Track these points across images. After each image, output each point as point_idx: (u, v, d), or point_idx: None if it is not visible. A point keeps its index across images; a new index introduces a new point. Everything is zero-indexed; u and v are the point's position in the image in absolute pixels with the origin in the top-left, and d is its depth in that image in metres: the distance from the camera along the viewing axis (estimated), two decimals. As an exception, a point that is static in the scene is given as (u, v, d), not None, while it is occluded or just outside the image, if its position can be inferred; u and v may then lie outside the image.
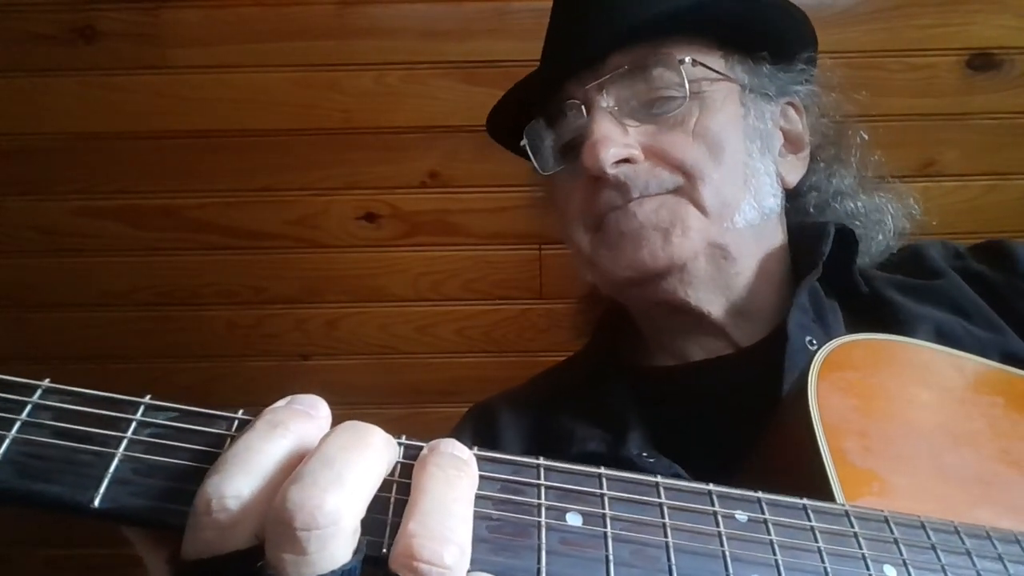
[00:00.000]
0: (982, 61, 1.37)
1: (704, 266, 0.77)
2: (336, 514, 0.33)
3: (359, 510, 0.34)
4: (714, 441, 0.69)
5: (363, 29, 1.38)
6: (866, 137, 0.92)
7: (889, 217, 0.88)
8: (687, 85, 0.76)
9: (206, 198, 1.43)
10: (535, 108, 0.84)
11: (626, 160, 0.75)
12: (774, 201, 0.81)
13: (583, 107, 0.79)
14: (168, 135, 1.40)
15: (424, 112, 1.40)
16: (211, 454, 0.38)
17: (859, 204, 0.88)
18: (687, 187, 0.76)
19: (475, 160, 1.41)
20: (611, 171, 0.75)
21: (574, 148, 0.80)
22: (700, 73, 0.77)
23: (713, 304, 0.79)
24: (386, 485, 0.37)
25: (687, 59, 0.76)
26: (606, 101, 0.77)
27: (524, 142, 0.85)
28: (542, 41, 0.87)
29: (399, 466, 0.39)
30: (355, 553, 0.34)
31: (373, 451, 0.36)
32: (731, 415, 0.68)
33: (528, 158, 0.85)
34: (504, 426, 0.84)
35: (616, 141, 0.75)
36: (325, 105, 1.40)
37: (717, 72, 0.78)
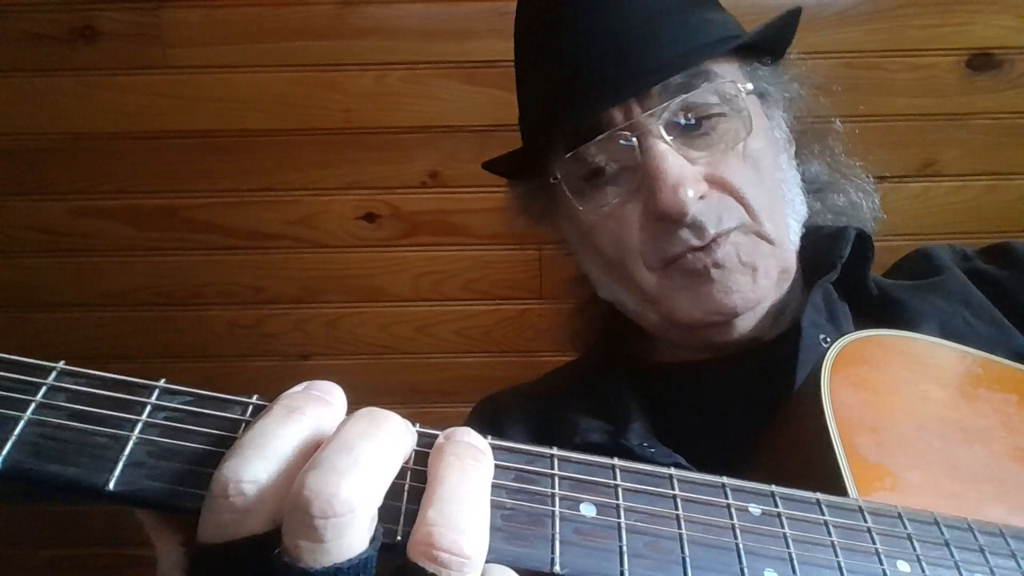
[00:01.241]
0: (982, 61, 1.37)
1: (774, 294, 0.76)
2: (353, 502, 0.32)
3: (377, 498, 0.34)
4: (719, 436, 0.68)
5: (363, 29, 1.38)
6: (840, 128, 0.90)
7: (866, 211, 0.88)
8: (730, 103, 0.74)
9: (206, 198, 1.42)
10: (554, 142, 0.78)
11: (700, 197, 0.72)
12: (804, 208, 0.81)
13: (634, 138, 0.73)
14: (168, 135, 1.39)
15: (424, 112, 1.40)
16: (227, 438, 0.37)
17: (840, 199, 0.87)
18: (751, 221, 0.74)
19: (475, 160, 1.40)
20: (691, 212, 0.71)
21: (608, 177, 0.76)
22: (733, 90, 0.75)
23: (756, 328, 0.77)
24: (401, 472, 0.37)
25: (728, 81, 0.74)
26: (659, 131, 0.72)
27: (558, 178, 0.78)
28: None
29: (413, 453, 0.39)
30: (372, 541, 0.34)
31: (391, 438, 0.36)
32: (738, 411, 0.67)
33: (565, 194, 0.78)
34: (511, 421, 0.84)
35: (689, 180, 0.71)
36: (325, 105, 1.39)
37: (745, 87, 0.76)
